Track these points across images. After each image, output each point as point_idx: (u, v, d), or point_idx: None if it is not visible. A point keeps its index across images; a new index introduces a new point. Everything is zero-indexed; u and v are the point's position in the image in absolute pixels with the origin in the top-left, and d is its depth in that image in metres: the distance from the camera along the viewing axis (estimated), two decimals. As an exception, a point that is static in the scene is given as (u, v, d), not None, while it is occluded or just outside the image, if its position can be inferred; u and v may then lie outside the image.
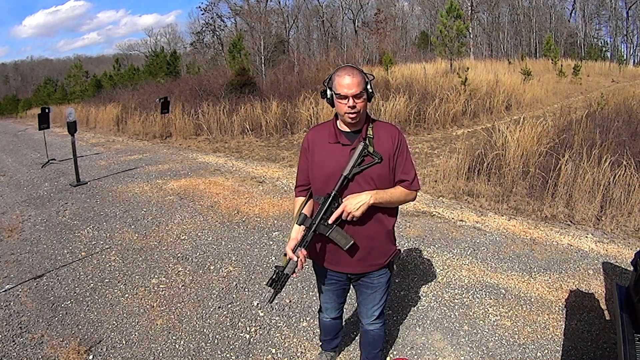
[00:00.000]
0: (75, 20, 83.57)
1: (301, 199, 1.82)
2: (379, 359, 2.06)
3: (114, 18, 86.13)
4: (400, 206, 1.83)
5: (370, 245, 1.73)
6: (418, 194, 1.85)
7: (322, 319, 2.09)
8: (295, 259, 1.63)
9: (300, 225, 1.68)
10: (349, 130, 1.68)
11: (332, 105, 1.67)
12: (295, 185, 1.87)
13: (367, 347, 2.04)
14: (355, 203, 1.60)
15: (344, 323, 2.23)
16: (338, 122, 1.71)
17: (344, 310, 2.12)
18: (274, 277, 1.66)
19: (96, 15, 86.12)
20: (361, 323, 1.99)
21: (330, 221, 1.63)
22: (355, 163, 1.61)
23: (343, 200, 1.64)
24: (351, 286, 1.93)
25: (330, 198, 1.63)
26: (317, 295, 2.08)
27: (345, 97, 1.58)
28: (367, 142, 1.63)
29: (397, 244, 1.89)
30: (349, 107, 1.59)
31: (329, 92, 1.66)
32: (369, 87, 1.63)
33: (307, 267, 3.29)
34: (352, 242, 1.65)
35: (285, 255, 1.67)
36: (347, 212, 1.60)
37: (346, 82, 1.57)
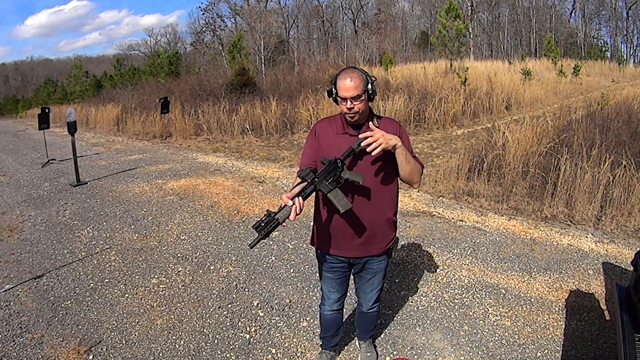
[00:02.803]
0: (77, 20, 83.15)
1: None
2: (373, 332, 2.31)
3: (116, 18, 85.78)
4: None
5: (372, 230, 1.85)
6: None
7: (322, 312, 2.14)
8: (290, 203, 1.59)
9: (302, 178, 1.70)
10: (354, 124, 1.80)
11: (337, 103, 1.77)
12: (299, 168, 1.89)
13: (364, 325, 2.23)
14: (388, 137, 1.63)
15: (344, 322, 2.24)
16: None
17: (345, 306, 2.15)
18: (263, 219, 1.58)
19: (98, 15, 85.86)
20: (359, 308, 2.15)
21: (357, 139, 1.66)
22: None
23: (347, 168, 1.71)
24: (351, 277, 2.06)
25: (336, 160, 1.69)
26: (318, 293, 2.10)
27: (345, 99, 1.69)
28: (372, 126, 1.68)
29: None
30: (347, 108, 1.70)
31: (334, 90, 1.75)
32: (369, 87, 1.71)
33: (308, 267, 3.31)
34: (350, 206, 1.68)
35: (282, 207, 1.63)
36: (378, 137, 1.60)
37: (345, 86, 1.67)
